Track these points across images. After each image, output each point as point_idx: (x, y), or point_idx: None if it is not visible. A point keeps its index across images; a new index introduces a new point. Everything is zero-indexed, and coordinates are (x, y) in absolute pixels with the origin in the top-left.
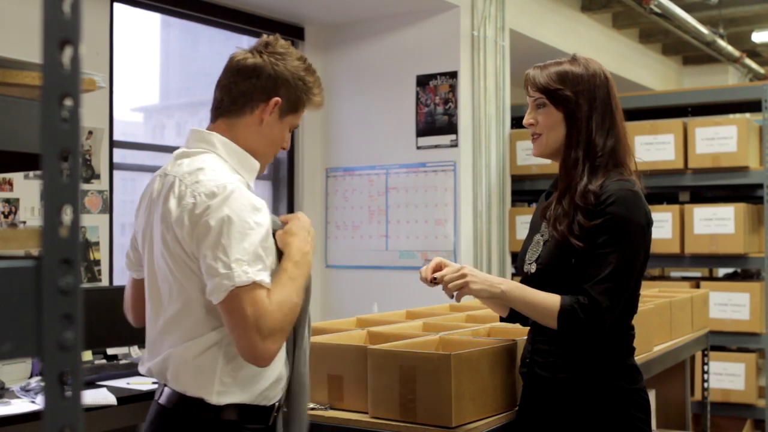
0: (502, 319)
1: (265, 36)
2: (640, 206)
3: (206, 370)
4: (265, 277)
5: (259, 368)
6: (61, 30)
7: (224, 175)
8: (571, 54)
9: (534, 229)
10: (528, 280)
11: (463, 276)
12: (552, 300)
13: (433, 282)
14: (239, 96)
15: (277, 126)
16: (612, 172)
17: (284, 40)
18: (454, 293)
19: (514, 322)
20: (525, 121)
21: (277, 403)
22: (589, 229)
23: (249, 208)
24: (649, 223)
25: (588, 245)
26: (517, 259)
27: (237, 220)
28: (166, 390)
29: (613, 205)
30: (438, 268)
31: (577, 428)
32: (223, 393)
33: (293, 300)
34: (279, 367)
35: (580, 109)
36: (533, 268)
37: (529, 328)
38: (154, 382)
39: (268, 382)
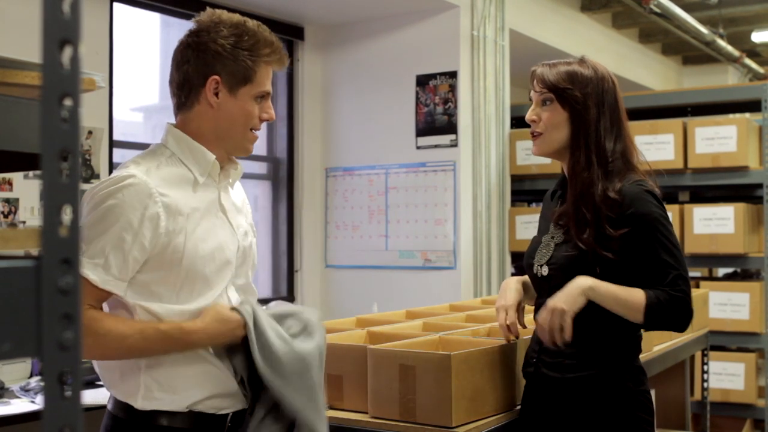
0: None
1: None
2: (658, 204)
3: (129, 372)
4: (91, 274)
5: (189, 375)
6: (61, 30)
7: (135, 169)
8: (579, 56)
9: (542, 229)
10: (539, 282)
11: (553, 312)
12: (638, 294)
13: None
14: (181, 87)
15: (234, 103)
16: (626, 176)
17: (218, 10)
18: (561, 337)
19: None
20: (527, 117)
21: (231, 413)
22: (619, 239)
23: (136, 204)
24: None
25: (622, 257)
26: (524, 259)
27: (113, 215)
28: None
29: (635, 208)
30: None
31: (584, 429)
32: (149, 398)
33: (115, 345)
34: (222, 379)
35: (588, 112)
36: (545, 270)
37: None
38: None
39: (207, 392)
